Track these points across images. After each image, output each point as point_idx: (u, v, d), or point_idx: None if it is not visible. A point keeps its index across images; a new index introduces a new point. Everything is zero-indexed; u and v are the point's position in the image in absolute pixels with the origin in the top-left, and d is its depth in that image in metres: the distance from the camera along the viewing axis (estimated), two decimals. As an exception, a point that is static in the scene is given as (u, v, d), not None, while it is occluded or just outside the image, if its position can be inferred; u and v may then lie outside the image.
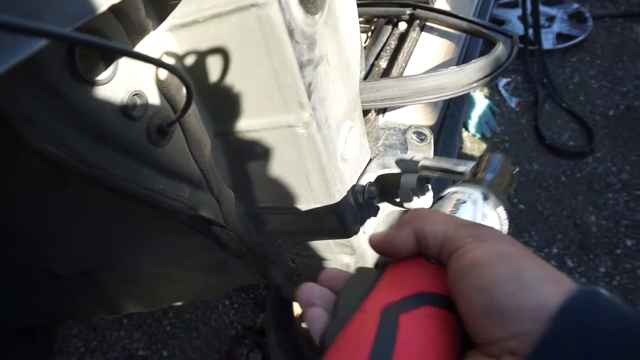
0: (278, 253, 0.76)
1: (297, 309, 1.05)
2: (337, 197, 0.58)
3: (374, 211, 0.69)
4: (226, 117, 0.52)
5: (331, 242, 0.67)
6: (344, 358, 0.28)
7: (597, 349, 0.23)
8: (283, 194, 0.60)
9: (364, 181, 0.63)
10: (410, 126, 0.63)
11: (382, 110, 0.99)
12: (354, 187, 0.62)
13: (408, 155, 0.64)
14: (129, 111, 0.42)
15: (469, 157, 2.19)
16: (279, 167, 0.56)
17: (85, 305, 0.89)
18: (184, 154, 0.52)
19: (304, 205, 0.60)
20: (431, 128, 1.04)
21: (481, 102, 2.33)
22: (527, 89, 2.42)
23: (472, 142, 2.25)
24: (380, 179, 0.69)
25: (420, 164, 0.60)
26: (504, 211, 0.39)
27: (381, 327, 0.28)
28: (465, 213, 0.36)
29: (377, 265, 0.36)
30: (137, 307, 0.95)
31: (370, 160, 0.66)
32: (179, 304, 1.92)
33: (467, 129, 2.28)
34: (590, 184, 1.99)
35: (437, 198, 0.41)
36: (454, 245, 0.29)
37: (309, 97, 0.47)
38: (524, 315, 0.25)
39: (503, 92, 2.40)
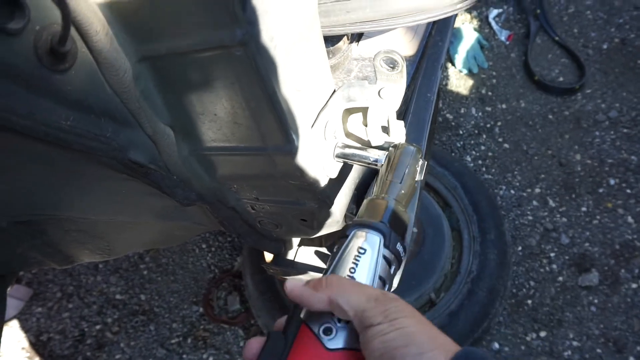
0: (236, 199, 0.69)
1: (267, 256, 1.00)
2: (292, 134, 0.50)
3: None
4: (147, 35, 0.42)
5: (290, 186, 0.60)
6: None
7: None
8: (229, 131, 0.52)
9: (325, 116, 0.54)
10: (379, 52, 0.54)
11: (355, 39, 0.88)
12: (313, 123, 0.53)
13: (376, 87, 0.56)
14: (3, 22, 0.33)
15: (454, 95, 2.10)
16: (220, 100, 0.47)
17: (33, 256, 0.82)
18: (98, 83, 0.42)
19: (254, 144, 0.52)
20: (411, 59, 0.94)
21: (469, 36, 2.19)
22: (518, 21, 2.28)
23: (458, 79, 2.14)
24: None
25: (336, 152, 0.59)
26: (402, 247, 0.47)
27: None
28: (364, 266, 0.43)
29: (287, 326, 0.42)
30: (93, 256, 0.89)
31: (334, 92, 0.57)
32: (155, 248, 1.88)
33: (453, 64, 2.17)
34: (577, 122, 1.93)
35: (342, 235, 0.46)
36: (366, 321, 0.36)
37: (244, 8, 0.37)
38: None
39: (493, 24, 2.26)
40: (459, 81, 2.14)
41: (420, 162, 0.55)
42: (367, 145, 0.61)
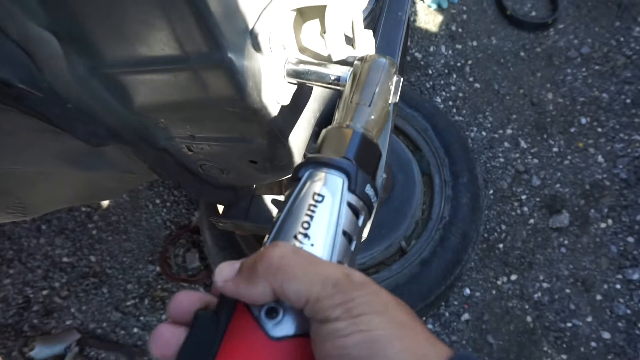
0: (167, 138, 0.55)
1: (221, 208, 0.88)
2: (220, 38, 0.36)
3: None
4: None
5: (231, 117, 0.47)
6: None
7: None
8: (135, 37, 0.37)
9: (269, 16, 0.41)
10: None
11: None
12: (253, 25, 0.40)
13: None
14: None
15: (423, 32, 1.95)
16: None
17: None
18: None
19: (170, 52, 0.38)
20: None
21: (439, -34, 2.03)
22: (490, -49, 2.12)
23: (427, 15, 1.99)
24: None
25: (287, 68, 0.45)
26: (372, 190, 0.36)
27: None
28: (322, 220, 0.32)
29: (221, 303, 0.31)
30: (5, 216, 0.74)
31: (281, -12, 0.43)
32: (105, 204, 1.72)
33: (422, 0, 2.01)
34: (549, 59, 1.84)
35: (294, 177, 0.35)
36: (320, 313, 0.27)
37: None
38: None
39: (464, -47, 2.09)
40: (427, 17, 1.99)
41: (395, 79, 0.43)
42: (327, 61, 0.48)
